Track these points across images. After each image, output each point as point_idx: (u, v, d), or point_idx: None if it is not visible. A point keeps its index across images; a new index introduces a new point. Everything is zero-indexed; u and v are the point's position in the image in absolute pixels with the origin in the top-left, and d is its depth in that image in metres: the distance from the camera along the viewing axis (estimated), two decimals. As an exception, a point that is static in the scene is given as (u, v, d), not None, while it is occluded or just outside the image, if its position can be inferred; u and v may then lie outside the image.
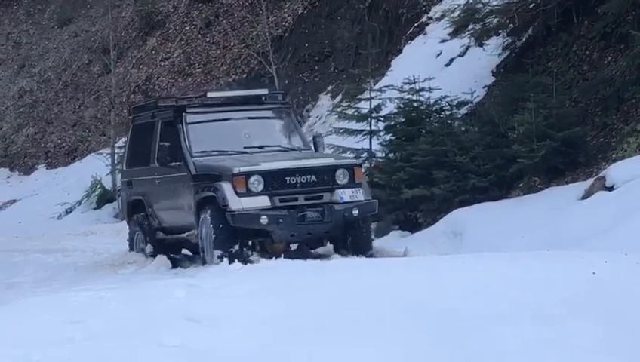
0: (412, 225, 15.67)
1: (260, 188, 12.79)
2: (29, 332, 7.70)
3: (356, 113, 17.51)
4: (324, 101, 22.81)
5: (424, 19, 21.87)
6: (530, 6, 16.87)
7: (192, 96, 14.94)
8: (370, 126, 17.28)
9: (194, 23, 28.56)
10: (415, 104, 16.72)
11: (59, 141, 29.05)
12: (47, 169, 28.78)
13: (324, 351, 7.26)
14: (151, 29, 29.69)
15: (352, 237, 13.35)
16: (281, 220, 12.74)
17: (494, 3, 17.19)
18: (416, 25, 21.88)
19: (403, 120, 16.78)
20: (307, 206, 12.89)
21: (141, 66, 28.99)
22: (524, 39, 17.64)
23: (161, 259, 13.87)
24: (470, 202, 14.75)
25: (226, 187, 12.76)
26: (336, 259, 13.35)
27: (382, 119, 17.25)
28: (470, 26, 18.39)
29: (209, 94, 14.62)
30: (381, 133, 17.21)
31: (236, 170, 12.79)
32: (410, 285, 8.37)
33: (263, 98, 14.63)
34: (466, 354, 7.20)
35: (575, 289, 8.08)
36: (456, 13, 18.47)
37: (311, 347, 7.29)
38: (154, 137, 14.39)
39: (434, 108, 16.61)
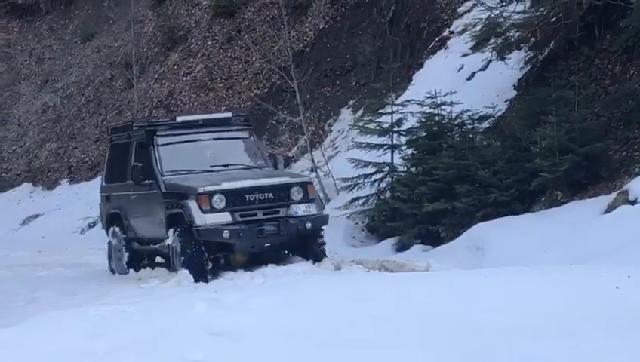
0: (434, 240, 15.65)
1: (223, 205, 14.13)
2: (52, 346, 7.73)
3: (378, 127, 17.53)
4: (346, 115, 22.81)
5: (445, 33, 21.85)
6: (552, 20, 16.82)
7: (163, 119, 16.46)
8: (392, 140, 17.29)
9: (216, 37, 28.64)
10: (437, 118, 16.71)
11: (82, 156, 29.18)
12: (70, 184, 28.88)
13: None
14: (173, 44, 29.78)
15: (307, 247, 14.65)
16: (241, 234, 14.09)
17: (516, 17, 17.15)
18: (437, 39, 21.86)
19: (425, 134, 16.77)
20: (265, 220, 14.29)
21: (163, 81, 29.09)
22: (545, 53, 17.59)
23: (183, 272, 13.97)
24: (492, 216, 14.72)
25: (192, 205, 14.13)
26: (354, 272, 13.50)
27: (403, 133, 17.26)
28: (492, 40, 18.34)
29: (178, 118, 16.00)
30: (403, 147, 17.22)
31: (201, 190, 14.14)
32: (433, 299, 8.35)
33: (228, 120, 16.03)
34: (489, 368, 7.18)
35: (598, 303, 8.03)
36: (477, 27, 18.44)
37: (333, 361, 7.28)
38: (130, 156, 15.72)
39: (456, 122, 16.60)
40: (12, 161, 31.75)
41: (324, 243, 14.86)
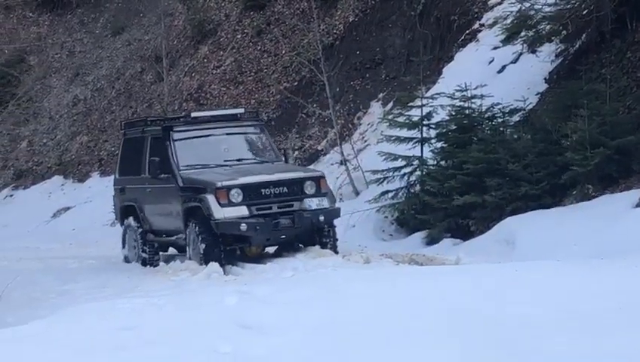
0: (464, 233, 15.61)
1: (240, 199, 14.51)
2: (82, 338, 7.77)
3: (407, 120, 17.48)
4: (376, 108, 22.76)
5: (476, 26, 21.75)
6: (584, 12, 16.70)
7: (178, 116, 17.09)
8: (422, 133, 17.25)
9: (245, 31, 28.65)
10: (467, 111, 16.66)
11: (112, 149, 29.24)
12: (100, 176, 28.99)
13: (376, 357, 7.25)
14: (203, 38, 29.82)
15: (319, 239, 14.98)
16: (258, 227, 14.45)
17: (547, 10, 17.04)
18: (468, 32, 21.76)
19: (455, 127, 16.72)
20: (280, 213, 14.66)
21: (193, 74, 29.15)
22: (577, 46, 17.47)
23: (213, 265, 14.04)
24: (523, 210, 14.66)
25: (210, 198, 14.48)
26: (383, 266, 13.53)
27: (433, 126, 17.22)
28: (523, 33, 18.22)
29: (193, 114, 16.37)
30: (432, 141, 17.17)
31: (219, 184, 14.52)
32: (463, 292, 8.34)
33: (239, 116, 16.49)
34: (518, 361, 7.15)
35: (629, 298, 7.99)
36: (508, 20, 18.33)
37: (363, 354, 7.28)
38: (144, 150, 16.18)
39: (486, 115, 16.54)
40: (43, 153, 31.93)
41: (337, 239, 15.18)
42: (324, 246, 14.96)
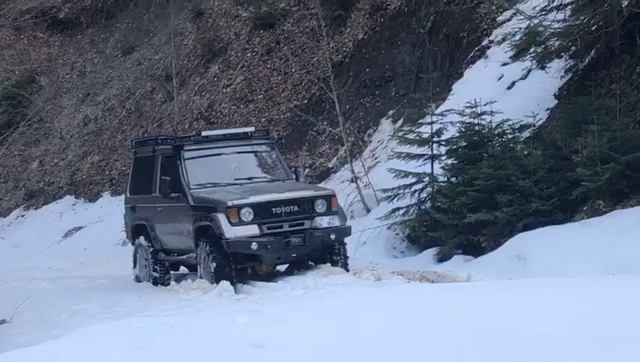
0: (475, 250, 15.60)
1: (250, 218, 14.53)
2: (94, 358, 7.77)
3: (418, 137, 17.50)
4: (386, 126, 22.79)
5: (485, 42, 21.79)
6: (593, 28, 16.72)
7: (188, 135, 17.16)
8: (432, 150, 17.26)
9: (255, 49, 28.74)
10: (477, 128, 16.67)
11: (123, 168, 29.33)
12: (111, 196, 29.08)
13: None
14: (213, 57, 29.93)
15: (330, 257, 15.01)
16: (269, 246, 14.45)
17: (556, 26, 17.06)
18: (477, 48, 21.80)
19: (465, 144, 16.73)
20: (291, 232, 14.65)
21: (203, 93, 29.23)
22: (586, 61, 17.48)
23: (224, 284, 14.05)
24: (534, 226, 14.65)
25: (221, 218, 14.49)
26: (395, 283, 13.53)
27: (443, 143, 17.23)
28: (532, 49, 18.26)
29: (203, 133, 16.52)
30: (443, 157, 17.18)
31: (230, 203, 14.52)
32: (474, 310, 8.31)
33: (250, 135, 16.52)
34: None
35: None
36: (517, 37, 18.37)
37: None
38: (155, 169, 16.29)
39: (496, 131, 16.55)
40: (54, 173, 32.03)
41: (348, 257, 15.22)
42: (335, 264, 14.95)
